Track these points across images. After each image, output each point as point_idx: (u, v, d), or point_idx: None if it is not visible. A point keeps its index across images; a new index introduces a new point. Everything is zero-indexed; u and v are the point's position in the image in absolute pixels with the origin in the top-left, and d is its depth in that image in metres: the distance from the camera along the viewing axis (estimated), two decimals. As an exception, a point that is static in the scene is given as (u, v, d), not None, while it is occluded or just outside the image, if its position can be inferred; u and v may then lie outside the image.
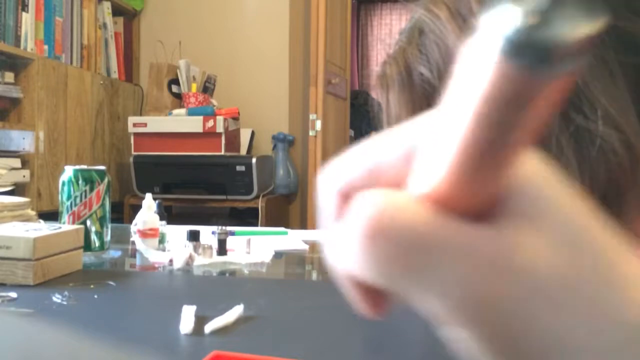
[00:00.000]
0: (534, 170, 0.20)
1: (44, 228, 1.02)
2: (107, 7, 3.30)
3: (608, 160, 0.41)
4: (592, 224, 0.20)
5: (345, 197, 0.21)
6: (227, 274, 1.08)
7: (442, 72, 0.46)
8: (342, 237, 0.20)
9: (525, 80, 0.17)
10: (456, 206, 0.19)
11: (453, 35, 0.44)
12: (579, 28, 0.16)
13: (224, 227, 1.20)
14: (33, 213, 1.25)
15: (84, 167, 1.22)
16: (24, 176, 2.52)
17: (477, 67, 0.17)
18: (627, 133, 0.40)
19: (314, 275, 1.17)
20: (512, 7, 0.16)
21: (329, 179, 0.22)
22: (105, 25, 3.30)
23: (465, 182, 0.19)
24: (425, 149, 0.20)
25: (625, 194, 0.41)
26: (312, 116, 3.34)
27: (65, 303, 0.84)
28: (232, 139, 3.10)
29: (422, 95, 0.48)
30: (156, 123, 3.03)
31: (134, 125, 3.03)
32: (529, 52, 0.16)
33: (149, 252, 1.18)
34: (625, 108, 0.41)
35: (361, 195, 0.20)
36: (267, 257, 1.17)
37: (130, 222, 1.28)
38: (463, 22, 0.44)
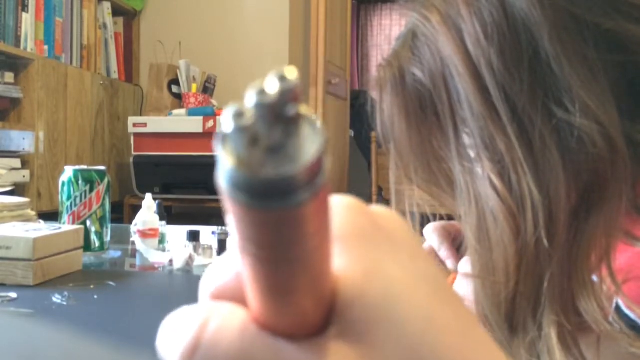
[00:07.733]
0: (364, 287, 0.19)
1: (44, 228, 1.02)
2: (107, 7, 3.30)
3: (588, 151, 0.41)
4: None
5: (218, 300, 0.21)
6: (227, 274, 1.08)
7: (433, 73, 0.47)
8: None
9: (255, 214, 0.16)
10: (278, 328, 0.19)
11: (443, 38, 0.46)
12: (284, 167, 0.15)
13: (224, 227, 1.19)
14: (33, 213, 1.25)
15: (84, 167, 1.22)
16: (23, 176, 2.52)
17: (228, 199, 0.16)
18: (605, 125, 0.41)
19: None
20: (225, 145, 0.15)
21: (204, 283, 0.21)
22: (105, 25, 3.30)
23: (271, 310, 0.18)
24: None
25: (607, 185, 0.42)
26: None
27: (65, 303, 0.84)
28: (232, 139, 3.10)
29: (415, 95, 0.49)
30: (156, 123, 3.02)
31: (134, 125, 3.03)
32: (242, 193, 0.15)
33: (149, 252, 1.18)
34: (605, 102, 0.42)
35: (204, 304, 0.20)
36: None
37: (130, 222, 1.28)
38: (453, 24, 0.45)
